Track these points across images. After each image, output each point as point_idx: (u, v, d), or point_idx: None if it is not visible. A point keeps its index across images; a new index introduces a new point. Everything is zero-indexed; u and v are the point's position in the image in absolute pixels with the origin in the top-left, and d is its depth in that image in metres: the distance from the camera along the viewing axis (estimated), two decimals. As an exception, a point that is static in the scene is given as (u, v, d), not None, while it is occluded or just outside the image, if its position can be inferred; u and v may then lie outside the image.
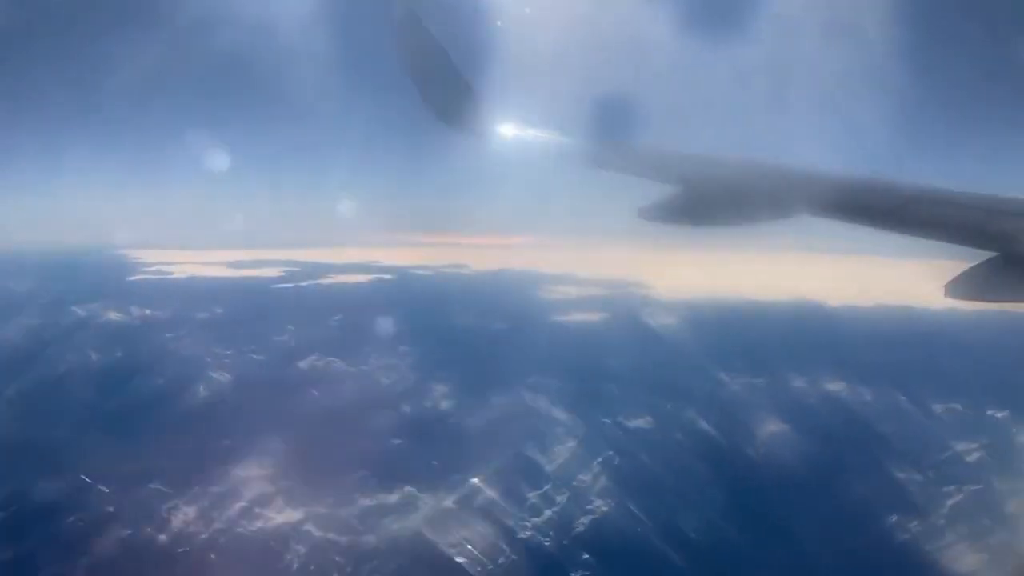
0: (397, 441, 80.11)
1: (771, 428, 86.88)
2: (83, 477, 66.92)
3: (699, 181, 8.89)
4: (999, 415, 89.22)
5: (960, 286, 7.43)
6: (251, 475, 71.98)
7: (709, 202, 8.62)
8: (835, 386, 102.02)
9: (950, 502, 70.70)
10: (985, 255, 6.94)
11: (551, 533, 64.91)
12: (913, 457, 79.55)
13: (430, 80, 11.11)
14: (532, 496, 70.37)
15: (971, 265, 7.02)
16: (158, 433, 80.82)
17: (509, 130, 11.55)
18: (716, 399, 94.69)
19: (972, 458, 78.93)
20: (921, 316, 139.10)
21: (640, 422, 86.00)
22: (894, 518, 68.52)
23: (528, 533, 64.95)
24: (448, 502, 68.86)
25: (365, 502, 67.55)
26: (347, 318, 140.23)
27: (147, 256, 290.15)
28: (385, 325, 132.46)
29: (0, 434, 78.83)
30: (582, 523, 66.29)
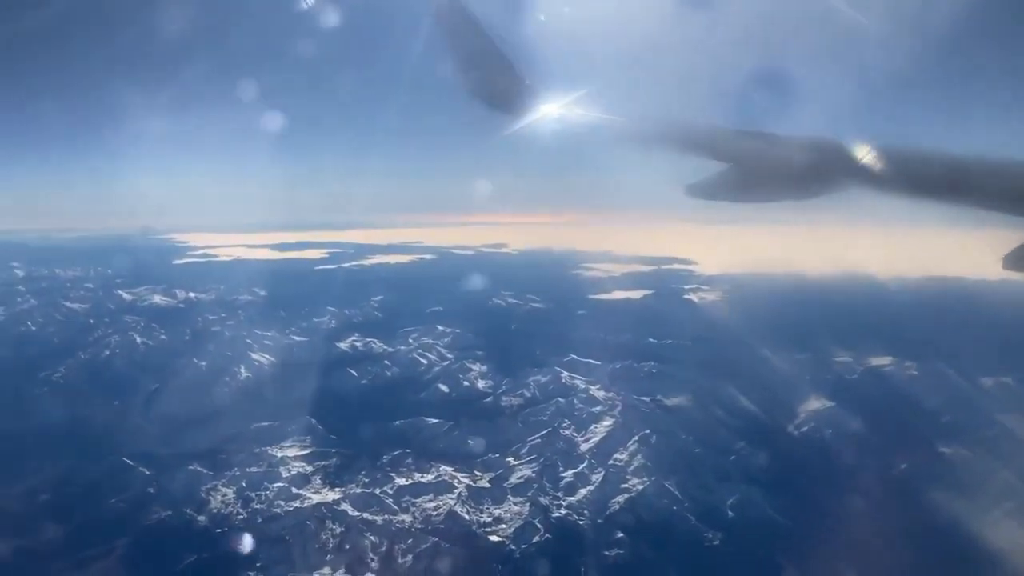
0: (434, 420, 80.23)
1: (814, 405, 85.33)
2: (124, 459, 68.14)
3: (746, 156, 8.76)
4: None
5: (1019, 258, 7.45)
6: (289, 455, 72.72)
7: (757, 178, 8.54)
8: (882, 360, 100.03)
9: (997, 478, 68.75)
10: None
11: (586, 512, 64.34)
12: (960, 432, 77.56)
13: (472, 61, 10.86)
14: (567, 475, 69.89)
15: None
16: (199, 414, 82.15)
17: (552, 110, 11.11)
18: (758, 376, 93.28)
19: (1022, 433, 76.65)
20: (975, 288, 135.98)
21: (679, 400, 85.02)
22: (939, 494, 66.71)
23: (563, 512, 64.51)
24: (483, 481, 68.81)
25: (401, 481, 67.73)
26: (388, 298, 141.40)
27: (194, 239, 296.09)
28: (425, 305, 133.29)
29: (45, 416, 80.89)
30: (617, 502, 65.52)
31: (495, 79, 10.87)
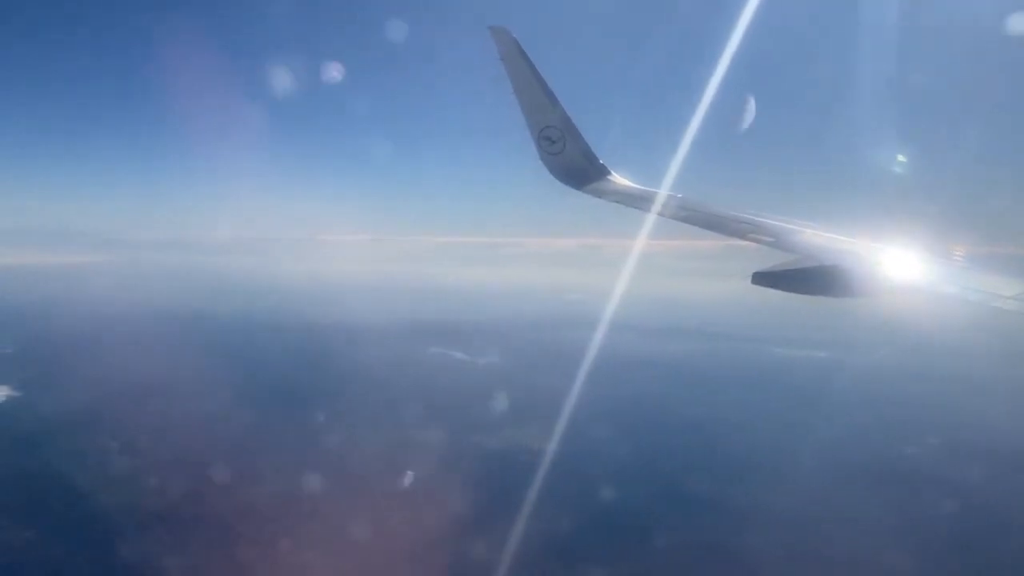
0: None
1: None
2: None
3: (817, 254, 8.58)
4: None
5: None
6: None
7: (826, 274, 8.21)
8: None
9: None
10: None
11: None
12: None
13: (549, 144, 11.63)
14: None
15: None
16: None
17: (623, 187, 11.81)
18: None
19: None
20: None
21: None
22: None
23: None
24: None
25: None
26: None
27: None
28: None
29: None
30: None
31: (573, 160, 11.58)
